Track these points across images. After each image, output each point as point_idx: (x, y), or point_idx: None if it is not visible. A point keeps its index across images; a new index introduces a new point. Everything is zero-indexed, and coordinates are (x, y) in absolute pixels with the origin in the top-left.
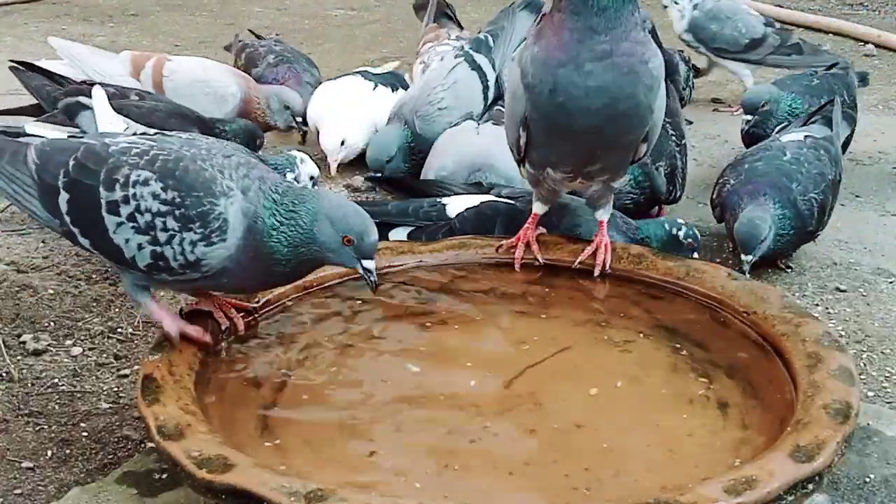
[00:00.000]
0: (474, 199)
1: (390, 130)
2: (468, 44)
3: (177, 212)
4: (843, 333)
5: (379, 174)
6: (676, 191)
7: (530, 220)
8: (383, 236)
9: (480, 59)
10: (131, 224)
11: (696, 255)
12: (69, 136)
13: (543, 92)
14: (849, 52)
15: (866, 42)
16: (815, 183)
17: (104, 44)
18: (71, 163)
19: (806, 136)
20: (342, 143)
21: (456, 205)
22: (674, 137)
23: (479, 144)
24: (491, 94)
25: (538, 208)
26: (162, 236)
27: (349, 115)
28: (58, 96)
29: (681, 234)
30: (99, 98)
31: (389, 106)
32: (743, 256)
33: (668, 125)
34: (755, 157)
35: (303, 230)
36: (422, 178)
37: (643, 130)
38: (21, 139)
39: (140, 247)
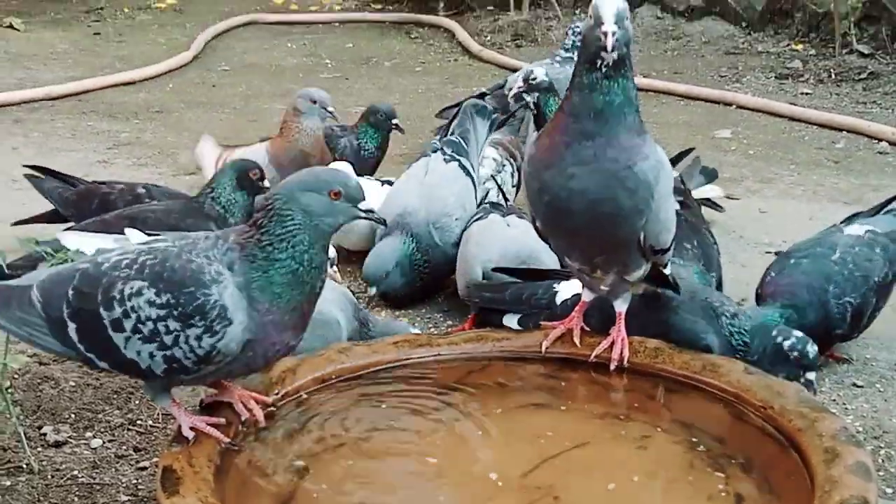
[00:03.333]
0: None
1: (390, 243)
2: (448, 147)
3: (175, 311)
4: (860, 429)
5: (374, 288)
6: None
7: (578, 307)
8: (496, 322)
9: (466, 163)
10: (137, 336)
11: (810, 375)
12: (97, 250)
13: (534, 189)
14: (863, 150)
15: (880, 140)
16: (855, 286)
17: (129, 139)
18: (70, 292)
19: (867, 231)
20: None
21: (565, 291)
22: (715, 246)
23: (521, 236)
24: (479, 197)
25: (586, 295)
26: (168, 339)
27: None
28: (68, 197)
29: (786, 343)
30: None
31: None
32: None
33: (706, 231)
34: (802, 253)
35: (300, 227)
36: (459, 272)
37: (635, 229)
38: (23, 282)
39: (152, 355)
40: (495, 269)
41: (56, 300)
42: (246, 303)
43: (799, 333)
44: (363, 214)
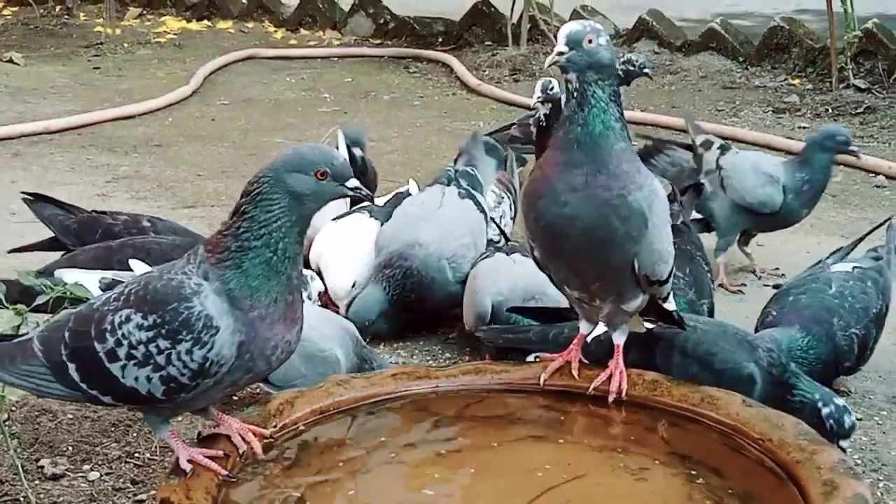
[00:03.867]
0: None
1: (373, 294)
2: (464, 180)
3: (162, 330)
4: (859, 462)
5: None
6: None
7: (576, 340)
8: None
9: (480, 198)
10: (132, 362)
11: (844, 443)
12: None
13: (530, 219)
14: (860, 183)
15: (877, 173)
16: (858, 318)
17: (128, 173)
18: (67, 335)
19: (854, 267)
20: (353, 286)
21: (595, 329)
22: (709, 273)
23: (528, 273)
24: (488, 229)
25: (584, 328)
26: (161, 359)
27: (358, 255)
28: (69, 225)
29: (825, 411)
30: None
31: None
32: None
33: (700, 259)
34: (800, 289)
35: (285, 211)
36: (467, 306)
37: (627, 255)
38: (24, 337)
39: (149, 379)
40: (512, 309)
41: (55, 345)
42: (228, 305)
43: (839, 401)
44: (350, 192)
